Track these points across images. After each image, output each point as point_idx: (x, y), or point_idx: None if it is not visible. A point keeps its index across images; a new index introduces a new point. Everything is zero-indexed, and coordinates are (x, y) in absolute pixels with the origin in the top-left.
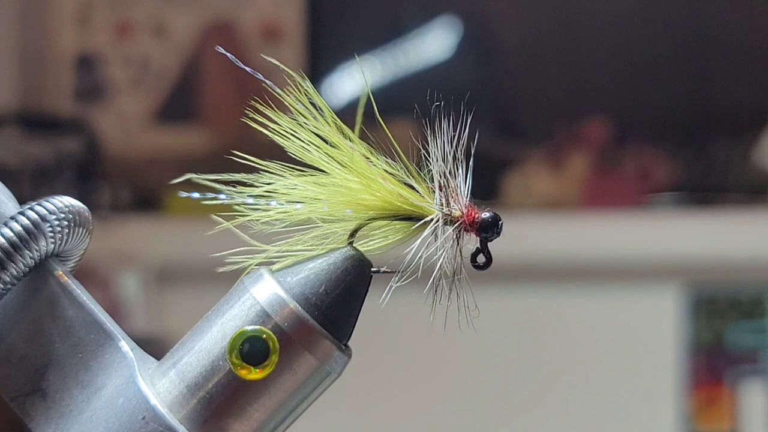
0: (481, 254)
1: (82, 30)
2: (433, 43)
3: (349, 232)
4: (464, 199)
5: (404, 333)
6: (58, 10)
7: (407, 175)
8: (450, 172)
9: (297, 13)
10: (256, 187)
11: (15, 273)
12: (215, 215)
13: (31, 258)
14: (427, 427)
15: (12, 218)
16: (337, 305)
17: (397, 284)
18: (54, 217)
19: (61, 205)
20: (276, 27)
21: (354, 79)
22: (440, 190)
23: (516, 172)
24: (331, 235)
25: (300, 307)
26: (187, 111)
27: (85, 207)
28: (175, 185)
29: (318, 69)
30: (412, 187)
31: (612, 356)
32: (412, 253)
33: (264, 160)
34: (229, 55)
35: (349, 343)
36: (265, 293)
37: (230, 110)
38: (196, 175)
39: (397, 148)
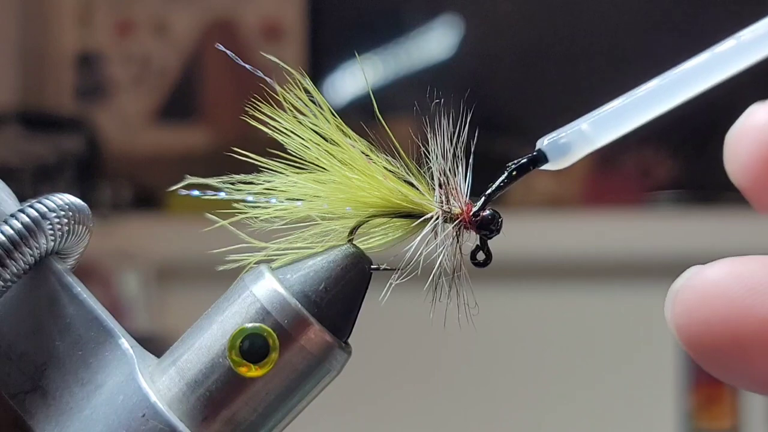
0: (481, 252)
1: (83, 29)
2: (434, 42)
3: (348, 230)
4: (464, 196)
5: (404, 330)
6: (59, 8)
7: (407, 173)
8: (450, 170)
9: (298, 11)
10: (256, 184)
11: (15, 270)
12: (211, 214)
13: (31, 255)
14: (427, 425)
15: (12, 215)
16: (337, 303)
17: (397, 282)
18: (54, 214)
19: (61, 202)
20: (277, 25)
21: (355, 78)
22: (440, 187)
23: None
24: (331, 232)
25: (300, 305)
26: (187, 109)
27: (86, 205)
28: (176, 183)
29: (319, 67)
30: (412, 185)
31: (612, 354)
32: (412, 250)
33: (264, 158)
34: (229, 52)
35: (349, 341)
36: (264, 290)
37: (231, 108)
38: (194, 178)
39: (397, 145)
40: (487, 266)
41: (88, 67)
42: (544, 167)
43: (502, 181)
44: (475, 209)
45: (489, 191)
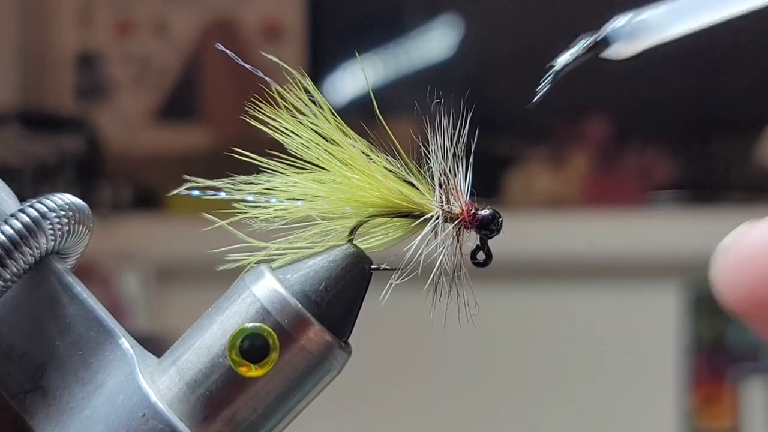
0: (481, 251)
1: (83, 28)
2: (434, 42)
3: (349, 230)
4: (464, 196)
5: (404, 330)
6: (59, 8)
7: (407, 173)
8: (450, 170)
9: (298, 11)
10: (256, 184)
11: (15, 270)
12: (210, 214)
13: (31, 255)
14: (427, 425)
15: (12, 215)
16: (337, 302)
17: (397, 281)
18: (54, 214)
19: (61, 202)
20: (277, 25)
21: (355, 78)
22: (440, 187)
23: (517, 170)
24: (331, 232)
25: (300, 305)
26: (188, 109)
27: (86, 204)
28: (176, 183)
29: (319, 67)
30: (412, 185)
31: (613, 354)
32: (412, 250)
33: (264, 158)
34: (229, 52)
35: (349, 341)
36: (265, 290)
37: (231, 108)
38: (193, 179)
39: (397, 145)
40: (487, 266)
41: (88, 67)
42: (606, 53)
43: (566, 61)
44: (541, 87)
45: (554, 69)
